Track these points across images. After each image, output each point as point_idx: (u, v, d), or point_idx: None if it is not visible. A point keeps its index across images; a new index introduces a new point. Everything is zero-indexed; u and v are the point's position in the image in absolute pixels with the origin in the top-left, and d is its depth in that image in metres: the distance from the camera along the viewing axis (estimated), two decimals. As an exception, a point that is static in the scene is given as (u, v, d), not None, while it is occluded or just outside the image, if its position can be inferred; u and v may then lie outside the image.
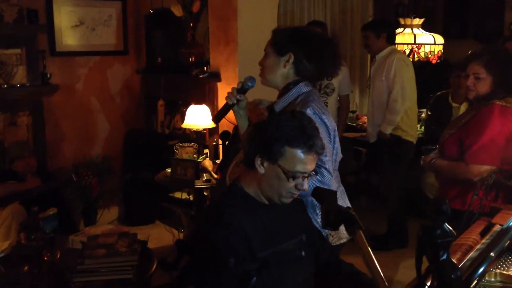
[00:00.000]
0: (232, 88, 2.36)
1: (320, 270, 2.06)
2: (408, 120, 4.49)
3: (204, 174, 4.14)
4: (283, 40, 2.33)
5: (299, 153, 1.82)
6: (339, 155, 2.41)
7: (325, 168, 2.18)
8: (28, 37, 4.67)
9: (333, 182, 2.32)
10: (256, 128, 1.93)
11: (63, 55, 5.05)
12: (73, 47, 5.10)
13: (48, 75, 4.80)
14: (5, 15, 4.49)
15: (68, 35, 5.06)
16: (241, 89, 2.34)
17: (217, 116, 2.47)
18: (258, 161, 1.85)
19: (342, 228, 1.69)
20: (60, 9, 4.99)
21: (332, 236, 2.34)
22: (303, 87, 2.33)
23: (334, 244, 2.35)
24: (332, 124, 2.32)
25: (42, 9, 4.83)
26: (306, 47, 2.31)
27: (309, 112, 2.19)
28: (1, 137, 4.63)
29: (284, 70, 2.33)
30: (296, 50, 2.30)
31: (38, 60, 4.75)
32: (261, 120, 2.12)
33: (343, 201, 2.39)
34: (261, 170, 1.86)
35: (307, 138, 1.82)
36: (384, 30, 4.47)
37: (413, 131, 4.59)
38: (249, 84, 2.34)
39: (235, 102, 2.34)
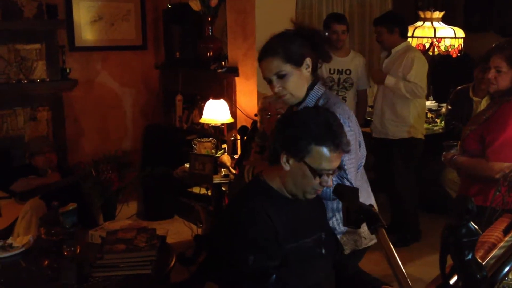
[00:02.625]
0: (257, 115, 2.28)
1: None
2: (419, 118, 4.49)
3: (222, 169, 4.14)
4: (293, 50, 2.15)
5: (326, 151, 1.80)
6: (364, 156, 2.33)
7: (347, 179, 2.11)
8: (48, 32, 4.71)
9: (363, 185, 2.29)
10: (280, 125, 1.91)
11: (82, 50, 5.08)
12: (92, 42, 5.13)
13: (68, 70, 4.84)
14: (25, 10, 4.53)
15: (87, 30, 5.09)
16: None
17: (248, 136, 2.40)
18: (283, 158, 1.84)
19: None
20: (79, 4, 5.02)
21: (365, 239, 2.30)
22: (318, 90, 2.23)
23: (364, 247, 2.32)
24: (357, 131, 2.23)
25: (61, 4, 4.87)
26: (311, 43, 2.20)
27: None
28: (22, 132, 4.69)
29: (307, 75, 2.20)
30: (308, 51, 2.18)
31: (57, 55, 4.79)
32: (283, 116, 2.09)
33: (369, 199, 2.34)
34: (286, 167, 1.85)
35: (334, 136, 1.80)
36: (396, 25, 4.42)
37: (423, 128, 4.61)
38: None
39: None
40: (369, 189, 2.42)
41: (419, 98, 4.42)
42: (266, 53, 2.17)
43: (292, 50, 2.14)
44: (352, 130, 2.14)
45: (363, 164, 2.35)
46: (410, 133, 4.44)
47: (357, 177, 2.26)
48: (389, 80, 4.34)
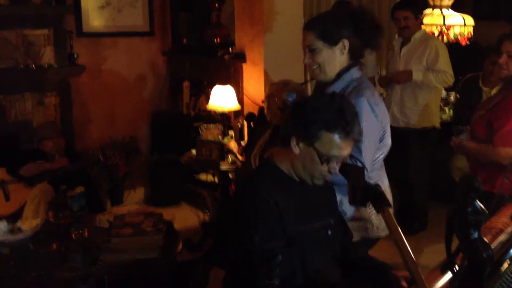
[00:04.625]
0: (274, 108, 2.30)
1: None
2: (435, 107, 4.47)
3: (229, 156, 4.14)
4: (330, 29, 2.20)
5: (336, 138, 1.79)
6: (388, 145, 2.33)
7: (361, 162, 2.10)
8: (56, 17, 4.71)
9: (379, 176, 2.29)
10: (294, 108, 1.91)
11: (90, 36, 5.08)
12: (99, 28, 5.13)
13: (75, 56, 4.84)
14: (33, -4, 4.53)
15: (95, 16, 5.09)
16: (284, 108, 2.29)
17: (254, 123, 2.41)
18: (293, 141, 1.84)
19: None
20: (87, -10, 5.01)
21: (378, 228, 2.30)
22: (355, 72, 2.24)
23: (375, 236, 2.32)
24: (384, 119, 2.23)
25: (69, -10, 4.87)
26: (353, 27, 2.20)
27: (363, 101, 2.12)
28: (30, 117, 4.71)
29: (341, 58, 2.22)
30: (348, 34, 2.19)
31: (65, 40, 4.79)
32: (301, 99, 2.08)
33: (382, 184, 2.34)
34: (296, 150, 1.84)
35: (346, 123, 1.79)
36: (421, 11, 4.37)
37: (438, 115, 4.59)
38: (290, 99, 2.29)
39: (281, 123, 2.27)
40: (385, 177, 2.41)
41: (448, 86, 4.40)
42: (306, 26, 2.27)
43: (328, 28, 2.20)
44: (378, 117, 2.16)
45: (385, 154, 2.33)
46: (431, 122, 4.40)
47: (375, 165, 2.25)
48: (417, 76, 4.26)
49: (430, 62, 4.27)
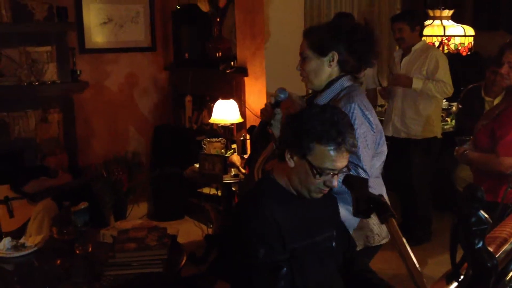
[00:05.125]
0: (266, 104, 2.33)
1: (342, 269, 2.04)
2: (437, 117, 4.50)
3: (232, 169, 4.14)
4: (322, 40, 2.23)
5: (328, 150, 1.76)
6: (384, 153, 2.34)
7: (361, 168, 2.12)
8: (58, 34, 4.75)
9: (377, 183, 2.29)
10: (287, 121, 1.90)
11: (92, 52, 5.11)
12: (101, 44, 5.16)
13: (78, 72, 4.88)
14: (35, 13, 4.57)
15: (97, 32, 5.13)
16: (275, 104, 2.31)
17: (256, 135, 2.45)
18: (288, 155, 1.83)
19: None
20: (89, 7, 5.06)
21: (378, 236, 2.30)
22: (345, 82, 2.26)
23: (376, 244, 2.32)
24: (377, 122, 2.25)
25: (71, 7, 4.91)
26: (347, 42, 2.23)
27: (353, 107, 2.14)
28: (33, 134, 4.72)
29: (329, 69, 2.25)
30: (338, 47, 2.22)
31: (68, 57, 4.82)
32: (292, 113, 2.09)
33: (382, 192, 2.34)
34: (291, 163, 1.83)
35: (337, 134, 1.76)
36: (418, 23, 4.40)
37: (440, 125, 4.61)
38: (282, 96, 2.30)
39: (271, 119, 2.30)
40: (382, 185, 2.42)
41: (447, 96, 4.44)
42: (303, 33, 2.32)
43: (319, 39, 2.24)
44: (370, 122, 2.18)
45: (382, 162, 2.34)
46: (433, 132, 4.43)
47: (374, 170, 2.26)
48: (417, 84, 4.28)
49: (430, 72, 4.29)
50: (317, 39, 2.24)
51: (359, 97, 2.19)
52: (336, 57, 2.23)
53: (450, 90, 4.34)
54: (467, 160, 2.82)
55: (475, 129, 2.82)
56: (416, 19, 4.43)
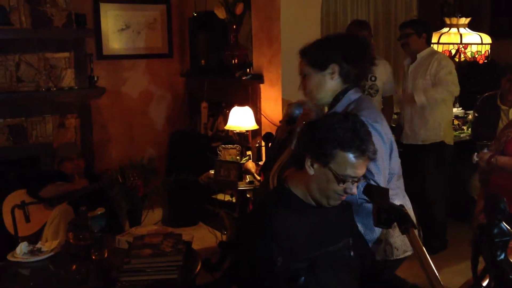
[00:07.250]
0: (280, 121, 2.32)
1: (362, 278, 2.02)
2: (448, 124, 4.51)
3: (247, 176, 4.15)
4: (319, 55, 2.23)
5: (351, 157, 1.78)
6: (398, 164, 2.32)
7: (374, 181, 2.10)
8: (76, 41, 4.80)
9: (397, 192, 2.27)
10: (307, 128, 1.90)
11: (110, 58, 5.16)
12: (119, 50, 5.21)
13: (95, 78, 4.92)
14: (54, 20, 4.63)
15: (114, 39, 5.17)
16: (290, 121, 2.31)
17: (274, 151, 2.44)
18: (308, 162, 1.83)
19: (407, 241, 1.63)
20: (106, 13, 5.11)
21: (397, 250, 2.28)
22: (352, 95, 2.25)
23: (398, 258, 2.30)
24: (388, 133, 2.23)
25: (89, 14, 4.96)
26: (343, 52, 2.23)
27: None
28: (50, 139, 4.77)
29: (332, 82, 2.24)
30: (336, 58, 2.22)
31: (85, 63, 4.87)
32: (311, 120, 2.09)
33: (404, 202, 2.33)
34: (311, 171, 1.83)
35: (360, 142, 1.78)
36: (424, 30, 4.45)
37: (452, 134, 4.63)
38: (297, 112, 2.30)
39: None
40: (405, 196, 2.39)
41: (454, 95, 4.45)
42: (299, 52, 2.30)
43: (316, 54, 2.23)
44: (381, 134, 2.15)
45: (399, 171, 2.33)
46: (440, 137, 4.44)
47: (391, 182, 2.24)
48: (419, 99, 4.31)
49: (433, 74, 4.33)
50: (314, 54, 2.24)
51: (367, 111, 2.17)
52: (336, 69, 2.22)
53: (455, 89, 4.35)
54: (496, 165, 2.76)
55: (502, 135, 2.77)
56: (423, 27, 4.48)
